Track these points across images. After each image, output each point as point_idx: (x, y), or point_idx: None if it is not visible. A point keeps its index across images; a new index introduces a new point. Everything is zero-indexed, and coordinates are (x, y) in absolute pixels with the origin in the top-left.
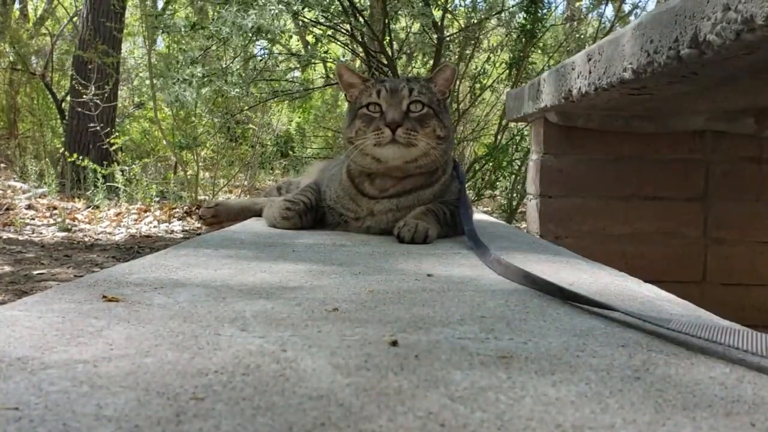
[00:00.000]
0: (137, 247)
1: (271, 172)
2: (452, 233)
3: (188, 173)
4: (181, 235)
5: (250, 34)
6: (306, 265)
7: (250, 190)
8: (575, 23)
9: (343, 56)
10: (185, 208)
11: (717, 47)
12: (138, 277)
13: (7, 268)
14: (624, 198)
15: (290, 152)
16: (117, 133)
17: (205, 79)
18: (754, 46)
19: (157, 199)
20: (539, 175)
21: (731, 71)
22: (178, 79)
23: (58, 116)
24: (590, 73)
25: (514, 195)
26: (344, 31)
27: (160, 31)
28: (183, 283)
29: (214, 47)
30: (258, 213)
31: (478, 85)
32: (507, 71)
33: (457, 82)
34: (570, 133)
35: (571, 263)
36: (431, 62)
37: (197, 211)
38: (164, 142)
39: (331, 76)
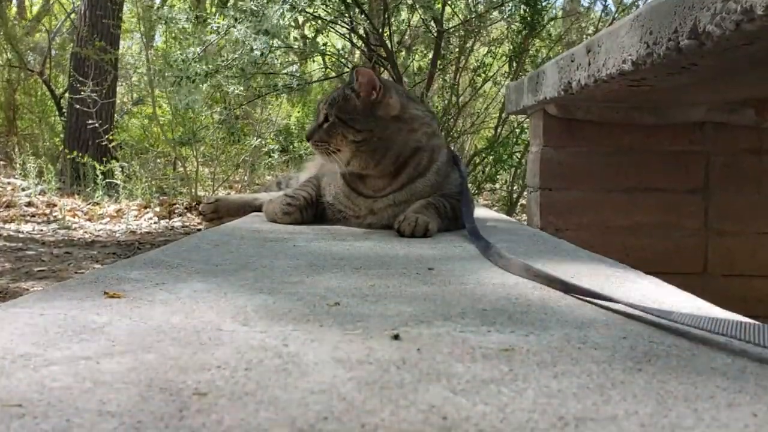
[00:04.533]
0: (138, 244)
1: (270, 167)
2: (453, 227)
3: (188, 169)
4: (182, 231)
5: (262, 36)
6: (307, 260)
7: (250, 185)
8: (576, 15)
9: (343, 48)
10: (185, 204)
11: (716, 38)
12: (139, 273)
13: (7, 266)
14: (624, 190)
15: (290, 147)
16: (116, 130)
17: (208, 75)
18: (753, 36)
19: (157, 195)
20: (539, 167)
21: (731, 62)
22: (183, 77)
23: (57, 113)
24: (590, 65)
25: (515, 188)
26: (344, 24)
27: (160, 24)
28: (184, 279)
29: (214, 42)
30: (258, 208)
31: (479, 78)
32: (507, 64)
33: (457, 75)
34: (570, 126)
35: (572, 256)
36: (431, 54)
37: (197, 207)
38: (163, 138)
39: (330, 69)
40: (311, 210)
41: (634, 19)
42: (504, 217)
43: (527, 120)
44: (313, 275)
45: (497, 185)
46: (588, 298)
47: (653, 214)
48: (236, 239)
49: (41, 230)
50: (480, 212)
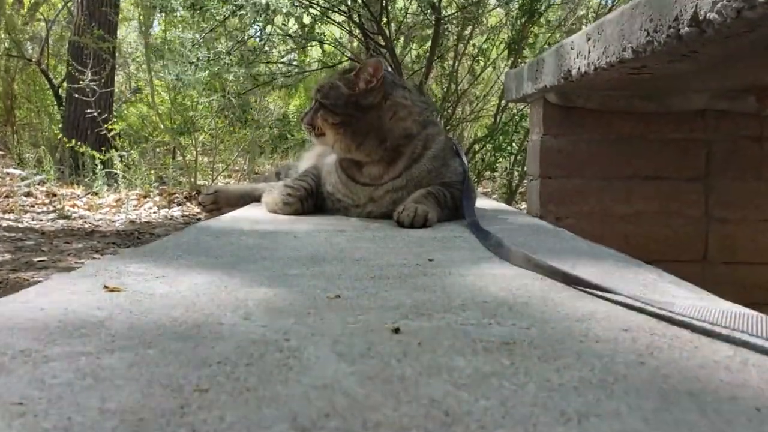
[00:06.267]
0: (137, 233)
1: (270, 156)
2: (454, 216)
3: (186, 158)
4: (182, 221)
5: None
6: (307, 252)
7: (249, 174)
8: (575, 2)
9: (340, 38)
10: (185, 193)
11: (717, 25)
12: (139, 265)
13: (7, 256)
14: (625, 178)
15: (289, 135)
16: (114, 119)
17: (210, 62)
18: (755, 23)
19: (156, 184)
20: (539, 155)
21: (732, 50)
22: (183, 62)
23: (55, 102)
24: (589, 52)
25: (515, 175)
26: (341, 12)
27: (157, 12)
28: (184, 272)
29: (210, 30)
30: (257, 199)
31: (477, 66)
32: (506, 51)
33: (456, 63)
34: (570, 114)
35: (572, 245)
36: (429, 43)
37: (197, 196)
38: (161, 126)
39: (328, 58)
40: (311, 200)
41: (634, 7)
42: (503, 206)
43: (527, 107)
44: (314, 267)
45: (497, 173)
46: (589, 290)
47: (654, 202)
48: (236, 231)
49: (40, 220)
50: (479, 202)
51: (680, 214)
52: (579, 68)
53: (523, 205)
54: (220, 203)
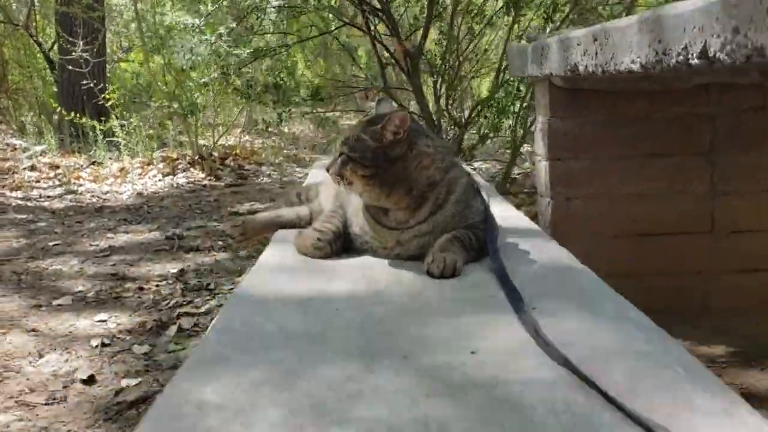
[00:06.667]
0: (147, 207)
1: (265, 106)
2: (479, 256)
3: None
4: (188, 188)
5: None
6: (353, 345)
7: (249, 130)
8: None
9: (335, 2)
10: (188, 158)
11: (727, 63)
12: (213, 390)
13: (23, 241)
14: (631, 157)
15: (282, 82)
16: (109, 87)
17: (213, 44)
18: (766, 65)
19: (159, 152)
20: (547, 138)
21: (741, 76)
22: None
23: (47, 67)
24: (596, 54)
25: (518, 133)
26: None
27: None
28: (255, 399)
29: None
30: (282, 225)
31: (477, 26)
32: (504, 7)
33: (457, 21)
34: (576, 96)
35: (595, 304)
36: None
37: (201, 161)
38: (157, 85)
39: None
40: (339, 242)
41: (642, 22)
42: (520, 220)
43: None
44: (366, 376)
45: (500, 133)
46: (625, 411)
47: (660, 180)
48: (279, 301)
49: (48, 196)
50: (493, 208)
51: (686, 189)
52: (586, 66)
53: (528, 149)
54: (247, 233)
